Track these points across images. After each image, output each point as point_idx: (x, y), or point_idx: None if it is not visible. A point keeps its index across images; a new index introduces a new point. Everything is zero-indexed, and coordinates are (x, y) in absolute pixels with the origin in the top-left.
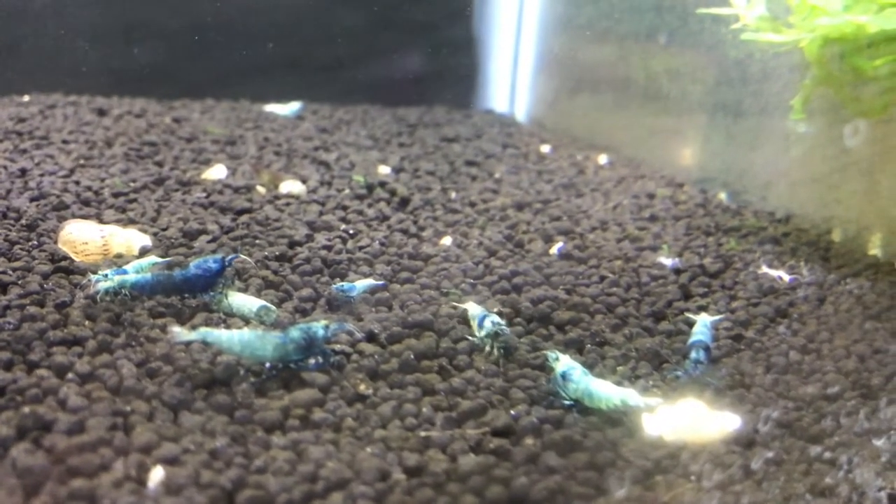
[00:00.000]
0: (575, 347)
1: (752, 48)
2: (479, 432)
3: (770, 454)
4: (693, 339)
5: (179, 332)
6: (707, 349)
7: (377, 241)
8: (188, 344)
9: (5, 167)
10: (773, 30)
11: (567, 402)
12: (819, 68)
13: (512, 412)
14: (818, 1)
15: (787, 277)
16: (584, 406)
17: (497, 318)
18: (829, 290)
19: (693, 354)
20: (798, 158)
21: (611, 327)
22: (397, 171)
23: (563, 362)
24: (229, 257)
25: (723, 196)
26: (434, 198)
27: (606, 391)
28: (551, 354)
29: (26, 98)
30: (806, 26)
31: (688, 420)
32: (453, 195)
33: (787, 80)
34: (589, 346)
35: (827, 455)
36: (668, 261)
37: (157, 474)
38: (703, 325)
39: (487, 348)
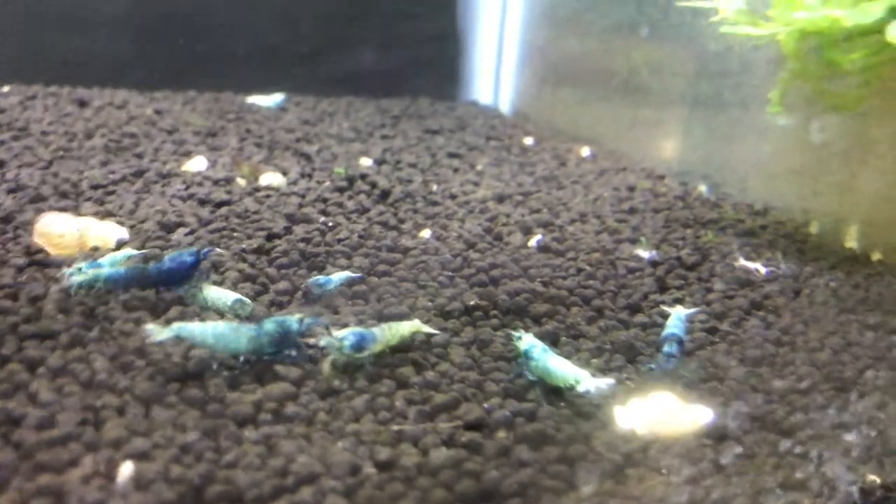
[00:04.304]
0: (550, 340)
1: (731, 41)
2: (451, 426)
3: (741, 448)
4: (667, 331)
5: (153, 330)
6: (680, 342)
7: (356, 234)
8: (163, 343)
9: None
10: (750, 23)
11: (532, 379)
12: (796, 62)
13: (485, 405)
14: None
15: (763, 270)
16: (546, 384)
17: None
18: (805, 282)
19: (666, 348)
20: (776, 151)
21: (586, 320)
22: (379, 163)
23: (526, 341)
24: (204, 251)
25: (702, 188)
26: (415, 190)
27: (563, 369)
28: (515, 334)
29: (6, 89)
30: (783, 20)
31: (660, 413)
32: (434, 187)
33: (766, 74)
34: (564, 338)
35: (798, 449)
36: (645, 253)
37: (126, 469)
38: (677, 318)
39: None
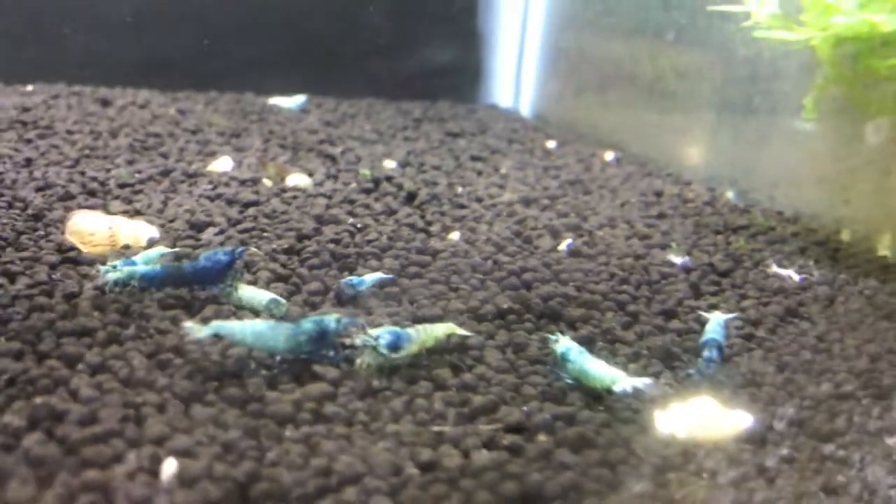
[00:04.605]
0: (586, 344)
1: (761, 46)
2: (491, 428)
3: (782, 452)
4: (706, 337)
5: (192, 328)
6: (720, 348)
7: (385, 236)
8: (202, 341)
9: (10, 157)
10: (784, 27)
11: (569, 382)
12: (831, 67)
13: (525, 408)
14: None
15: (797, 277)
16: (584, 386)
17: (381, 334)
18: (840, 290)
19: (706, 353)
20: (806, 158)
21: (622, 325)
22: (403, 165)
23: (563, 343)
24: (239, 250)
25: (730, 195)
26: (441, 193)
27: (599, 371)
28: (552, 336)
29: (30, 88)
30: (818, 25)
31: (700, 418)
32: (460, 190)
33: (797, 80)
34: (600, 343)
35: (839, 454)
36: (677, 259)
37: (169, 466)
38: (716, 323)
39: (360, 361)
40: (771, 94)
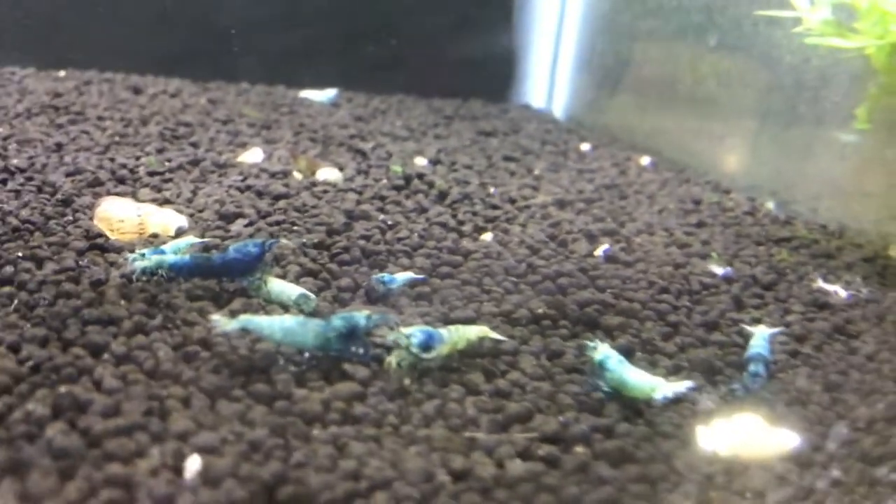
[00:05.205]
0: (625, 354)
1: (809, 54)
2: (526, 437)
3: (830, 474)
4: (751, 351)
5: (220, 321)
6: (767, 363)
7: (416, 234)
8: (229, 334)
9: (41, 141)
10: (838, 35)
11: (606, 391)
12: (887, 77)
13: (561, 418)
14: (891, 6)
15: (843, 293)
16: (622, 397)
17: (414, 333)
18: (889, 308)
19: (752, 367)
20: (852, 170)
21: (662, 335)
22: (434, 163)
23: (601, 350)
24: (269, 242)
25: (770, 205)
26: (473, 192)
27: (638, 380)
28: (590, 344)
29: (62, 73)
30: (875, 32)
31: (745, 435)
32: (492, 190)
33: (847, 89)
34: (639, 353)
35: (891, 477)
36: (718, 269)
37: (193, 463)
38: (761, 337)
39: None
40: (817, 104)
